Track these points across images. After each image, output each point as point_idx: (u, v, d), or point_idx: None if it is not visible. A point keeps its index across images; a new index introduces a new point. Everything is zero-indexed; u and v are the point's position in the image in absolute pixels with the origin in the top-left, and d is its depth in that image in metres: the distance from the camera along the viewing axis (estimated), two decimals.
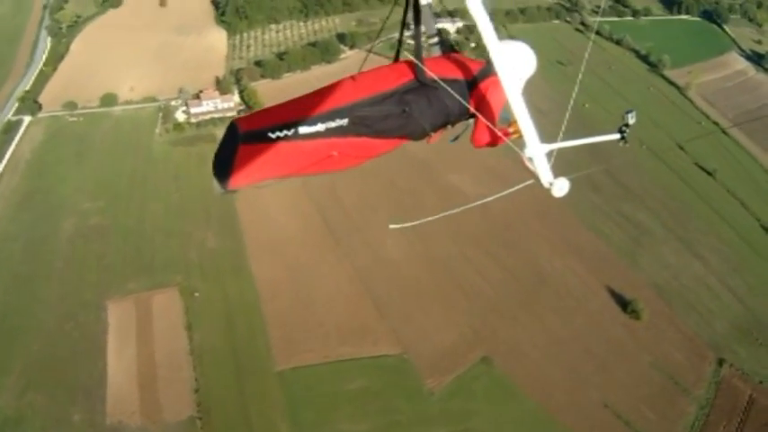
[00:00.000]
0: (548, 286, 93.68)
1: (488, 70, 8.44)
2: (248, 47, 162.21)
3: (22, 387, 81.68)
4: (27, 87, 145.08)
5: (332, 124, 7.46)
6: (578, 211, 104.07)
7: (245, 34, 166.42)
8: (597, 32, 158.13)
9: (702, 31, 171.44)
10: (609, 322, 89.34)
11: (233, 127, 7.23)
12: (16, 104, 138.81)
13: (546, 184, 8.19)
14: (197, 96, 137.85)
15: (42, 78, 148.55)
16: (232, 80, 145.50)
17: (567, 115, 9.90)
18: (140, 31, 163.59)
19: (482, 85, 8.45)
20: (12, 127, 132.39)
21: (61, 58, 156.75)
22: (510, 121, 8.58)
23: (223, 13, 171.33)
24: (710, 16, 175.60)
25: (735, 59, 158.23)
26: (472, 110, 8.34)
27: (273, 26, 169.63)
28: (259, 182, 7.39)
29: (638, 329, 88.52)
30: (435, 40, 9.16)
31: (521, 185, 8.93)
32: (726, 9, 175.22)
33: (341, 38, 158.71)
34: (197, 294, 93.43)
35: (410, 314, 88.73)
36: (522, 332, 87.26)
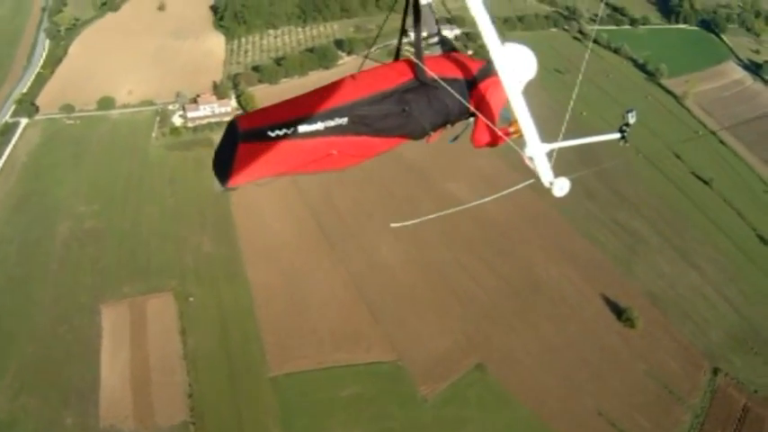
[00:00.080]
0: (542, 294, 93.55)
1: (489, 70, 8.44)
2: (246, 52, 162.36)
3: (16, 390, 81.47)
4: (24, 90, 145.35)
5: (331, 123, 7.48)
6: (573, 219, 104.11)
7: (243, 39, 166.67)
8: (595, 41, 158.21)
9: (700, 41, 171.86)
10: (603, 330, 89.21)
11: (233, 125, 7.27)
12: (13, 107, 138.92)
13: (546, 184, 8.23)
14: (194, 101, 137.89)
15: (40, 81, 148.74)
16: (229, 85, 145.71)
17: (567, 116, 9.87)
18: (138, 35, 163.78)
19: (482, 85, 8.46)
20: (8, 129, 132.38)
21: (59, 60, 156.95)
22: (510, 120, 8.58)
23: (221, 18, 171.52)
24: (708, 26, 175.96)
25: (732, 69, 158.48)
26: (472, 109, 8.33)
27: (272, 31, 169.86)
28: (258, 179, 7.38)
29: (632, 338, 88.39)
30: (436, 39, 9.16)
31: (521, 185, 9.03)
32: (724, 18, 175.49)
33: (339, 44, 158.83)
34: (191, 299, 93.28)
35: (404, 320, 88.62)
36: (517, 339, 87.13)
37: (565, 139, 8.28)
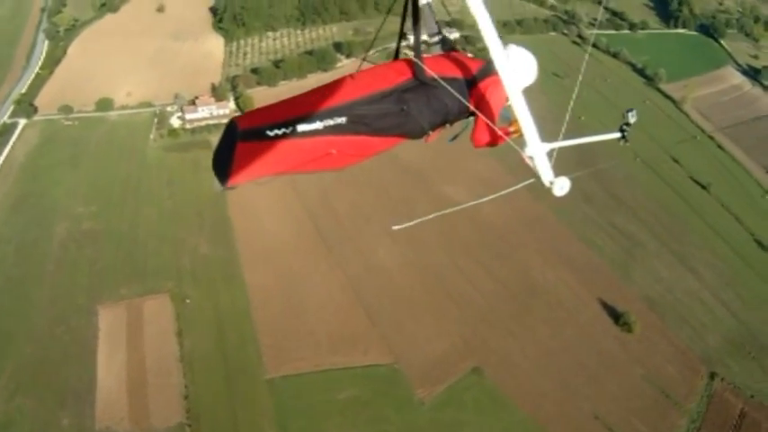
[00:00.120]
0: (539, 297, 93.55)
1: (488, 69, 8.42)
2: (245, 54, 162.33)
3: (12, 390, 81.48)
4: (23, 90, 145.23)
5: (330, 122, 7.48)
6: (571, 223, 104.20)
7: (242, 41, 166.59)
8: (594, 45, 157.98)
9: (699, 46, 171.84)
10: (600, 334, 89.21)
11: (232, 125, 7.28)
12: (12, 107, 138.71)
13: (547, 183, 8.24)
14: (193, 102, 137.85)
15: (39, 81, 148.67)
16: (228, 87, 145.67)
17: (567, 116, 9.90)
18: (138, 36, 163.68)
19: (482, 84, 8.44)
20: (7, 129, 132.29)
21: (58, 61, 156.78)
22: (510, 119, 8.57)
23: (221, 20, 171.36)
24: (707, 30, 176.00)
25: (731, 74, 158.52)
26: (472, 108, 8.32)
27: (270, 34, 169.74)
28: (258, 179, 7.39)
29: (629, 342, 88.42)
30: (436, 39, 9.19)
31: (522, 184, 9.04)
32: (723, 24, 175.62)
33: (337, 47, 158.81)
34: (188, 301, 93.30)
35: (401, 323, 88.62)
36: (514, 343, 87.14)
37: (565, 139, 8.30)
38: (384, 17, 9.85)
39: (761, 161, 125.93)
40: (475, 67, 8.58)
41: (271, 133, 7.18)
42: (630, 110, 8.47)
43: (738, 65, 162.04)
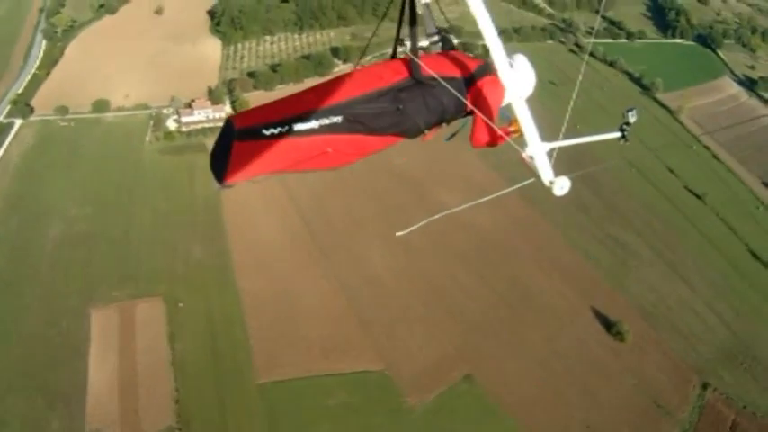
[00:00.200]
0: (532, 306, 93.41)
1: (487, 68, 8.45)
2: (242, 58, 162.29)
3: (2, 391, 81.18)
4: (20, 90, 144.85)
5: (326, 121, 7.55)
6: (565, 232, 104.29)
7: (239, 45, 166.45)
8: (591, 54, 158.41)
9: (696, 56, 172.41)
10: (593, 343, 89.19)
11: (229, 124, 7.36)
12: (8, 107, 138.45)
13: (547, 183, 8.33)
14: (189, 105, 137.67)
15: (35, 82, 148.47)
16: (224, 90, 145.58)
17: (567, 116, 9.92)
18: (135, 38, 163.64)
19: (480, 84, 8.42)
20: (3, 129, 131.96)
21: (55, 62, 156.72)
22: (510, 119, 8.57)
23: (218, 23, 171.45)
24: (704, 41, 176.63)
25: (728, 84, 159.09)
26: (470, 107, 8.32)
27: (268, 38, 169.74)
28: (254, 177, 7.49)
29: (622, 351, 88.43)
30: (436, 38, 9.21)
31: (522, 184, 9.09)
32: (720, 34, 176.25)
33: (335, 51, 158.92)
34: (181, 305, 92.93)
35: (393, 330, 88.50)
36: (506, 351, 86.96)
37: (565, 138, 8.33)
38: (380, 19, 9.87)
39: (756, 172, 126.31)
40: (473, 66, 8.56)
41: (267, 132, 7.27)
42: (630, 109, 8.51)
43: (735, 75, 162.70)
